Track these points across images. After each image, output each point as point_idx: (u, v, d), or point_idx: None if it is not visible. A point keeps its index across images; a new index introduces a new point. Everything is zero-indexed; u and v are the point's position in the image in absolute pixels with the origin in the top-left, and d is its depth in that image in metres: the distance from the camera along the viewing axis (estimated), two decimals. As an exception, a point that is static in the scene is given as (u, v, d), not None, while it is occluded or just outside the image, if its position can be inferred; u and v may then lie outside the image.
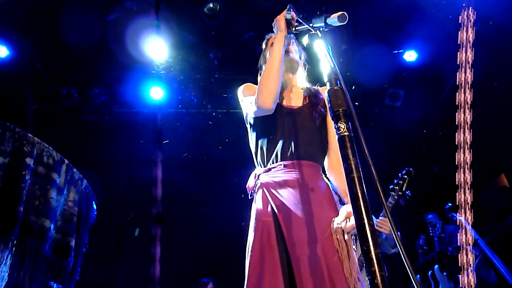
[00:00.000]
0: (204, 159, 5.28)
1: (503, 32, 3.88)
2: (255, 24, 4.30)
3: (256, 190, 1.79)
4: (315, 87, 1.95)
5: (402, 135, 5.22)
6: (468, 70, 3.65)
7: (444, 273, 4.08)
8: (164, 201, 4.87)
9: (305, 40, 1.37)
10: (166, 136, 4.90)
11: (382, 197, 1.07)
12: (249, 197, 1.83)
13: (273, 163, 1.77)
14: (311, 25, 1.39)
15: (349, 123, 1.15)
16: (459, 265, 3.76)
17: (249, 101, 1.83)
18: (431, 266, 4.19)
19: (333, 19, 1.31)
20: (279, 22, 1.69)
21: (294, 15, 1.63)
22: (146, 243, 4.61)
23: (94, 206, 2.14)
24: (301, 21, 1.53)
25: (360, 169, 1.09)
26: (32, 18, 4.20)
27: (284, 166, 1.73)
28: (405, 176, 2.96)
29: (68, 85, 4.82)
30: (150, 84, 4.76)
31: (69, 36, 4.27)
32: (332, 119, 1.18)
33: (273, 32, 1.79)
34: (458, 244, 4.00)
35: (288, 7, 1.65)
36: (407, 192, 2.91)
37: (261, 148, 1.80)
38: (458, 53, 3.68)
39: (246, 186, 1.84)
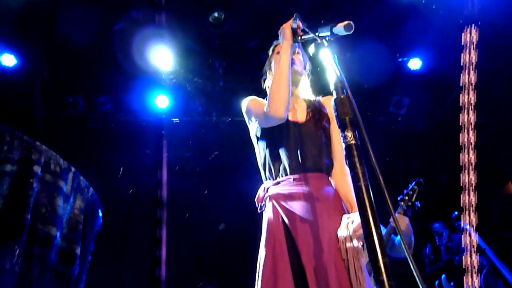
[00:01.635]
0: (208, 166, 5.28)
1: (506, 33, 3.87)
2: (259, 32, 4.33)
3: (265, 203, 1.80)
4: (319, 99, 1.97)
5: (407, 143, 5.21)
6: (471, 72, 3.65)
7: (452, 283, 4.04)
8: (169, 209, 4.90)
9: (311, 49, 1.37)
10: (171, 144, 4.92)
11: (390, 205, 1.07)
12: (258, 211, 1.84)
13: (281, 176, 1.78)
14: (317, 34, 1.41)
15: (356, 132, 1.16)
16: (463, 267, 3.72)
17: (258, 113, 1.84)
18: (438, 276, 4.15)
19: (340, 29, 1.32)
20: (285, 30, 1.71)
21: (300, 24, 1.65)
22: (150, 250, 4.62)
23: (100, 214, 2.15)
24: (307, 30, 1.54)
25: (367, 177, 1.09)
26: (40, 27, 4.25)
27: (294, 179, 1.75)
28: (415, 187, 2.95)
29: (75, 93, 4.85)
30: (155, 92, 4.79)
31: (75, 44, 4.32)
32: (339, 127, 1.18)
33: (278, 39, 1.81)
34: (462, 247, 3.97)
35: (294, 16, 1.66)
36: (416, 203, 2.90)
37: (269, 162, 1.82)
38: (462, 54, 3.69)
39: (255, 199, 1.85)
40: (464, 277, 3.48)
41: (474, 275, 3.43)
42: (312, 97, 1.99)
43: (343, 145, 1.17)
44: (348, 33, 1.31)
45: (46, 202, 1.69)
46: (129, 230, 4.83)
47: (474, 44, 3.50)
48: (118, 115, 5.05)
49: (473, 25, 3.50)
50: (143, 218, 4.88)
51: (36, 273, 1.62)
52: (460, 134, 3.49)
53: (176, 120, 5.01)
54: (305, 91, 1.99)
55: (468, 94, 3.48)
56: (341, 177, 1.81)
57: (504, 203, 4.55)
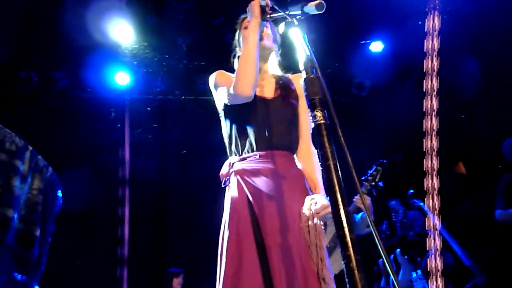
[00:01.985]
0: (171, 146, 5.20)
1: (468, 18, 4.01)
2: (225, 9, 4.24)
3: (230, 178, 1.78)
4: (288, 76, 1.95)
5: (368, 125, 5.36)
6: (434, 58, 3.77)
7: (405, 257, 4.28)
8: (131, 188, 4.79)
9: (281, 27, 1.36)
10: (132, 123, 4.79)
11: (357, 182, 1.10)
12: (222, 185, 1.83)
13: (247, 152, 1.77)
14: (287, 12, 1.39)
15: (325, 111, 1.17)
16: (427, 249, 3.93)
17: (225, 89, 1.80)
18: (393, 250, 4.38)
19: (311, 7, 1.31)
20: (254, 8, 1.67)
21: (269, 2, 1.62)
22: (112, 231, 4.54)
23: (60, 194, 2.07)
24: (276, 8, 1.52)
25: (336, 156, 1.11)
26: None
27: (260, 156, 1.74)
28: (379, 168, 3.05)
29: (28, 68, 4.58)
30: (115, 69, 4.61)
31: (29, 17, 4.05)
32: (309, 107, 1.19)
33: (245, 14, 1.77)
34: (420, 229, 4.19)
35: (263, -7, 1.63)
36: (379, 184, 3.01)
37: (235, 137, 1.80)
38: (425, 41, 3.79)
39: (220, 174, 1.82)
40: (428, 260, 3.68)
41: (438, 258, 3.64)
42: (281, 73, 1.96)
43: (312, 125, 1.18)
44: (319, 12, 1.31)
45: (1, 182, 1.60)
46: (90, 210, 4.70)
47: (437, 31, 3.60)
48: (75, 91, 4.83)
49: (435, 11, 3.60)
50: (104, 198, 4.76)
51: (-7, 256, 1.54)
52: (424, 120, 3.62)
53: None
54: (275, 67, 1.96)
55: (432, 80, 3.60)
56: (307, 156, 1.81)
57: (454, 182, 4.83)
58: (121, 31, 4.19)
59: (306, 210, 1.64)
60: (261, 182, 1.69)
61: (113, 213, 4.57)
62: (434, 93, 3.58)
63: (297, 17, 1.35)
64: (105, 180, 4.82)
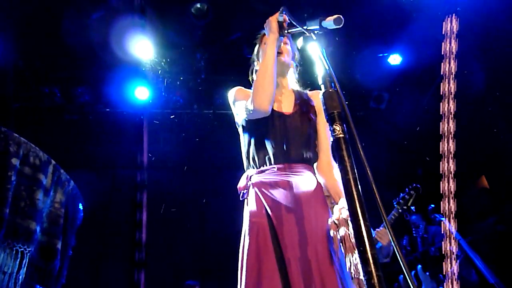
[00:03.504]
0: (189, 160, 5.24)
1: (487, 40, 3.98)
2: (242, 25, 4.30)
3: (248, 191, 1.79)
4: (307, 92, 1.96)
5: (387, 138, 5.30)
6: (451, 81, 3.73)
7: (427, 273, 4.16)
8: (149, 203, 4.84)
9: (299, 42, 1.37)
10: (151, 137, 4.85)
11: (378, 197, 1.09)
12: (240, 198, 1.83)
13: (265, 165, 1.78)
14: (305, 27, 1.40)
15: (344, 125, 1.17)
16: (444, 273, 3.82)
17: (243, 104, 1.82)
18: (414, 266, 4.26)
19: (329, 22, 1.32)
20: (271, 23, 1.69)
21: (287, 18, 1.64)
22: (130, 246, 4.58)
23: (81, 208, 2.10)
24: (294, 23, 1.53)
25: (355, 170, 1.10)
26: (15, 15, 4.10)
27: (278, 169, 1.75)
28: (412, 192, 2.98)
29: (51, 84, 4.72)
30: (135, 84, 4.70)
31: (53, 34, 4.19)
32: (327, 121, 1.18)
33: (263, 29, 1.79)
34: (441, 245, 4.08)
35: (281, 9, 1.65)
36: (412, 208, 2.94)
37: (253, 151, 1.81)
38: (442, 64, 3.76)
39: (237, 187, 1.83)
40: (444, 264, 3.58)
41: (453, 261, 3.54)
42: (300, 88, 1.98)
43: (331, 139, 1.17)
44: (337, 26, 1.31)
45: (25, 195, 1.64)
46: (109, 224, 4.76)
47: (455, 34, 3.57)
48: (96, 106, 4.95)
49: (453, 14, 3.56)
50: (122, 211, 4.81)
51: (16, 269, 1.57)
52: (441, 123, 3.57)
53: (156, 122, 4.93)
54: (293, 82, 1.98)
55: (448, 103, 3.56)
56: (328, 169, 1.81)
57: (477, 196, 4.70)
58: (142, 47, 4.28)
59: (336, 219, 1.62)
60: (279, 194, 1.70)
61: (131, 225, 4.60)
62: (452, 96, 3.53)
63: (315, 32, 1.35)
64: (124, 192, 4.87)
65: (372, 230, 2.89)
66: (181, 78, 4.77)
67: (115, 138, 4.96)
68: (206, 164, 5.21)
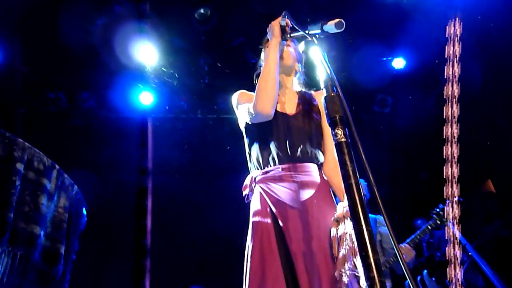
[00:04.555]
0: (193, 164, 5.25)
1: (491, 44, 3.97)
2: (246, 30, 4.31)
3: (253, 192, 1.80)
4: (310, 92, 1.97)
5: (390, 142, 5.28)
6: (455, 84, 3.72)
7: (433, 278, 4.12)
8: (153, 208, 4.85)
9: (301, 46, 1.38)
10: (155, 142, 4.87)
11: (379, 201, 1.08)
12: (246, 200, 1.84)
13: (270, 166, 1.78)
14: (307, 31, 1.41)
15: (346, 129, 1.16)
16: (448, 279, 3.80)
17: (246, 108, 1.83)
18: (419, 272, 4.22)
19: (330, 26, 1.32)
20: (274, 28, 1.71)
21: (289, 22, 1.64)
22: (134, 252, 4.58)
23: (84, 212, 2.11)
24: (296, 27, 1.54)
25: (357, 175, 1.10)
26: (20, 21, 4.14)
27: (282, 169, 1.75)
28: (433, 224, 2.95)
29: (56, 89, 4.75)
30: (139, 89, 4.72)
31: (57, 39, 4.22)
32: (329, 125, 1.19)
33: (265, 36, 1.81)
34: (447, 257, 4.05)
35: (283, 14, 1.66)
36: (449, 223, 2.90)
37: (257, 152, 1.82)
38: (445, 67, 3.75)
39: (242, 188, 1.85)
40: (448, 269, 3.55)
41: (457, 267, 3.50)
42: (304, 89, 2.00)
43: (334, 143, 1.17)
44: (339, 30, 1.32)
45: (29, 200, 1.65)
46: (112, 228, 4.77)
47: (458, 37, 3.56)
48: (101, 111, 4.97)
49: (457, 18, 3.56)
50: (126, 217, 4.82)
51: (20, 273, 1.58)
52: (444, 127, 3.55)
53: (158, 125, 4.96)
54: (298, 84, 1.99)
55: (452, 86, 3.53)
56: (334, 167, 1.80)
57: (483, 201, 4.67)
58: (145, 52, 4.31)
59: (337, 216, 1.62)
60: (284, 194, 1.70)
61: (135, 241, 4.61)
62: (455, 99, 3.52)
63: (317, 36, 1.36)
64: (127, 200, 4.88)
65: None
66: (185, 83, 4.79)
67: (119, 143, 4.97)
68: (210, 168, 5.21)
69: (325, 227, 1.65)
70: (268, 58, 1.73)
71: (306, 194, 1.70)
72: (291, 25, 1.63)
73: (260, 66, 2.01)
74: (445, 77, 3.58)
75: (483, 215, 4.41)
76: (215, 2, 4.16)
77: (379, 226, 3.32)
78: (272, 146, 1.78)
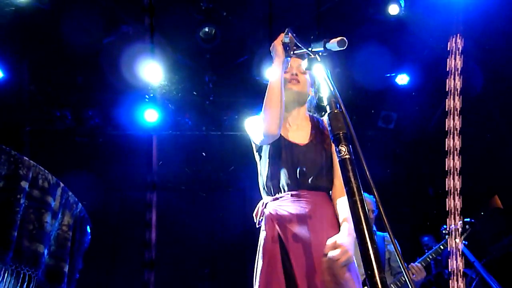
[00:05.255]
0: (198, 181, 5.25)
1: (492, 56, 3.99)
2: (250, 48, 4.36)
3: (263, 218, 1.83)
4: (322, 119, 2.00)
5: (396, 157, 5.25)
6: (456, 97, 3.73)
7: (442, 297, 4.04)
8: (158, 224, 4.84)
9: (304, 64, 1.38)
10: (161, 159, 4.88)
11: (385, 219, 1.07)
12: (257, 225, 1.87)
13: (280, 193, 1.81)
14: (309, 49, 1.41)
15: (350, 146, 1.16)
16: (449, 270, 3.73)
17: (254, 132, 1.87)
18: (428, 289, 4.15)
19: (333, 44, 1.33)
20: (276, 47, 1.72)
21: (292, 39, 1.65)
22: (139, 268, 4.54)
23: (88, 230, 2.10)
24: (299, 45, 1.55)
25: (362, 192, 1.09)
26: (27, 40, 4.22)
27: (292, 195, 1.78)
28: (467, 227, 2.94)
29: (62, 107, 4.80)
30: (144, 106, 4.76)
31: (64, 58, 4.29)
32: (333, 142, 1.18)
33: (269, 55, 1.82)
34: (450, 269, 3.98)
35: (286, 31, 1.67)
36: (464, 242, 2.89)
37: (269, 179, 1.85)
38: (447, 80, 3.77)
39: (253, 214, 1.87)
40: (450, 281, 3.48)
41: (460, 279, 3.44)
42: (316, 113, 2.03)
43: (338, 159, 1.17)
44: (341, 48, 1.33)
45: (33, 218, 1.65)
46: (117, 245, 4.74)
47: (460, 51, 3.59)
48: (106, 129, 5.01)
49: (458, 34, 3.59)
50: (131, 234, 4.80)
51: (23, 292, 1.56)
52: (446, 140, 3.54)
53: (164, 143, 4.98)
54: (311, 109, 2.02)
55: (454, 119, 3.55)
56: (341, 194, 1.83)
57: (491, 217, 4.60)
58: (151, 71, 4.36)
59: (328, 254, 1.62)
60: (293, 222, 1.73)
61: (140, 248, 4.58)
62: (457, 92, 3.52)
63: (320, 53, 1.37)
64: (133, 215, 4.87)
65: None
66: (190, 101, 4.82)
67: (124, 160, 4.99)
68: (214, 184, 5.21)
69: None
70: (271, 78, 1.74)
71: (314, 222, 1.72)
72: (295, 42, 1.64)
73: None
74: (447, 90, 3.60)
75: (491, 232, 4.34)
76: (219, 21, 4.22)
77: (387, 244, 3.29)
78: (284, 174, 1.81)
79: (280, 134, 1.83)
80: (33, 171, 1.68)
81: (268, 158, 1.86)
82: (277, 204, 1.79)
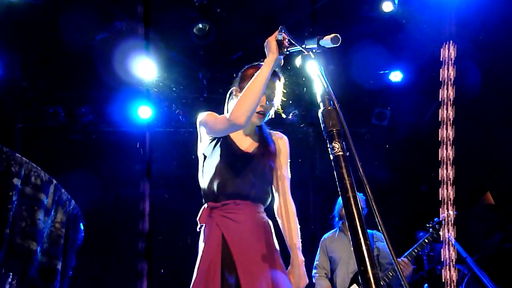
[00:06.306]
0: (192, 177, 5.23)
1: (485, 48, 4.01)
2: (244, 44, 4.35)
3: (207, 223, 1.86)
4: (271, 133, 2.04)
5: (389, 154, 5.28)
6: (450, 87, 3.75)
7: (434, 292, 4.08)
8: (152, 221, 4.82)
9: (297, 61, 1.38)
10: (154, 156, 4.86)
11: (377, 215, 1.08)
12: (197, 230, 1.90)
13: (224, 200, 1.85)
14: (303, 46, 1.41)
15: (343, 143, 1.16)
16: (443, 281, 3.78)
17: (214, 120, 1.87)
18: (420, 286, 4.18)
19: (326, 41, 1.33)
20: (270, 43, 1.71)
21: (286, 36, 1.65)
22: (134, 265, 4.53)
23: (82, 227, 2.09)
24: (293, 42, 1.55)
25: (355, 188, 1.09)
26: (20, 36, 4.18)
27: (236, 204, 1.84)
28: (430, 237, 2.97)
29: (55, 104, 4.77)
30: (138, 103, 4.74)
31: (56, 54, 4.25)
32: (326, 138, 1.18)
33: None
34: (442, 260, 4.02)
35: (280, 28, 1.66)
36: (448, 235, 2.94)
37: (214, 183, 1.87)
38: (441, 70, 3.79)
39: (197, 219, 1.89)
40: (442, 270, 3.53)
41: (452, 269, 3.49)
42: (267, 129, 2.05)
43: (331, 157, 1.17)
44: (335, 45, 1.33)
45: (26, 215, 1.64)
46: (111, 243, 4.73)
47: (452, 60, 3.62)
48: (100, 126, 4.98)
49: (451, 41, 3.62)
50: (125, 231, 4.79)
51: (15, 290, 1.56)
52: (439, 150, 3.58)
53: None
54: (264, 124, 2.03)
55: (447, 109, 3.58)
56: (286, 214, 1.93)
57: (483, 213, 4.64)
58: (144, 67, 4.34)
59: None
60: (234, 229, 1.80)
61: (134, 246, 4.57)
62: (450, 102, 3.56)
63: (314, 50, 1.37)
64: (127, 212, 4.86)
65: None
66: (184, 97, 4.80)
67: (118, 157, 4.97)
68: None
69: (271, 264, 1.79)
70: (260, 71, 1.71)
71: (253, 230, 1.82)
72: (288, 40, 1.64)
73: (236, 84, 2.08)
74: (440, 99, 3.63)
75: (483, 228, 4.39)
76: (213, 17, 4.21)
77: (376, 241, 3.31)
78: (231, 182, 1.85)
79: (232, 139, 1.90)
80: (26, 168, 1.67)
81: (216, 160, 1.87)
82: (222, 211, 1.83)
